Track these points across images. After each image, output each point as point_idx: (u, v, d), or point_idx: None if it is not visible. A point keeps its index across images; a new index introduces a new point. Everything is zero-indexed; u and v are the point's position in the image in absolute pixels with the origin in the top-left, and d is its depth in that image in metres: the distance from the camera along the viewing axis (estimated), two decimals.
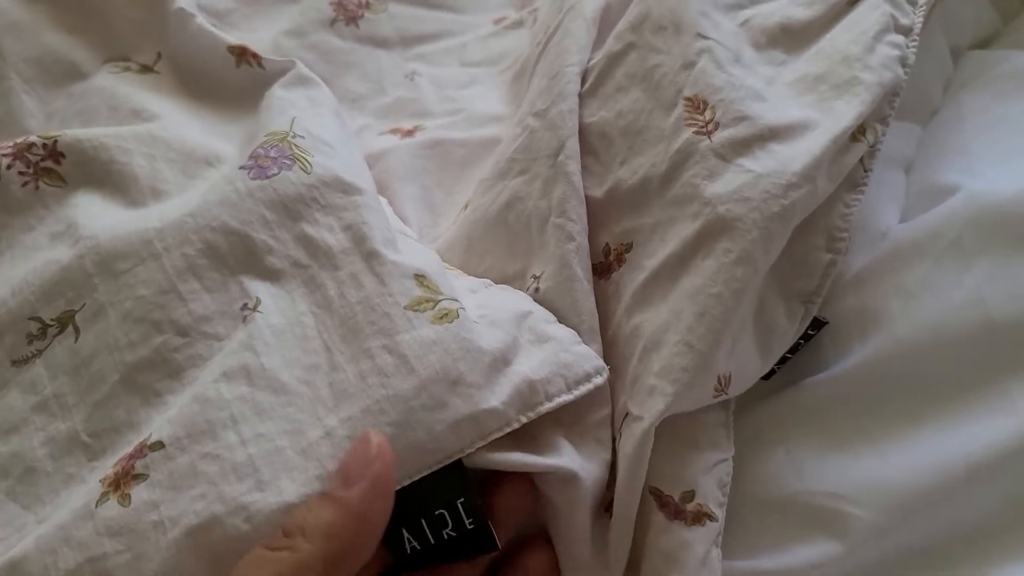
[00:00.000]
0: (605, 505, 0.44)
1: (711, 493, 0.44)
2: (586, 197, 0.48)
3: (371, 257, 0.42)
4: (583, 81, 0.52)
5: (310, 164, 0.45)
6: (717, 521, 0.43)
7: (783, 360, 0.47)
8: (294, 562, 0.32)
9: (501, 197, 0.51)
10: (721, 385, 0.44)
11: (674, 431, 0.43)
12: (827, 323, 0.47)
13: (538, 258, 0.48)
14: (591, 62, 0.52)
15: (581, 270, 0.46)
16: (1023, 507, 0.42)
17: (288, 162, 0.45)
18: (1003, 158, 0.50)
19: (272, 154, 0.45)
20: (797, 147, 0.44)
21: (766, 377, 0.48)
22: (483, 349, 0.39)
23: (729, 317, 0.42)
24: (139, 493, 0.38)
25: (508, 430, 0.39)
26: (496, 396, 0.39)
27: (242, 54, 0.53)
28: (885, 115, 0.46)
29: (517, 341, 0.42)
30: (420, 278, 0.41)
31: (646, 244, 0.46)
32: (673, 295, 0.43)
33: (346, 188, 0.45)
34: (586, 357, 0.43)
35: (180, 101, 0.54)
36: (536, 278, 0.47)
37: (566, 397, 0.41)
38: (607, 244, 0.48)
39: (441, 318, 0.40)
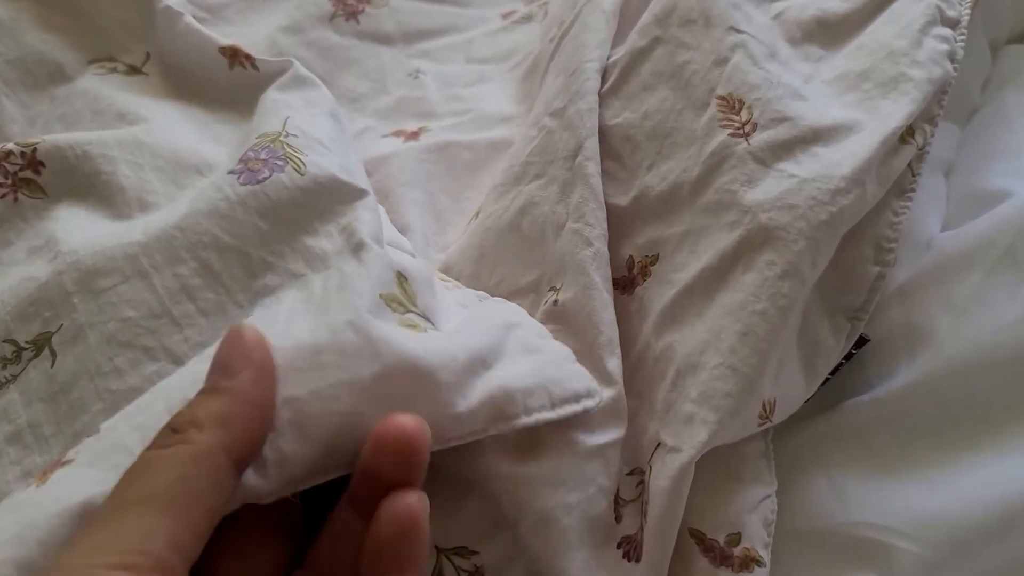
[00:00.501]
0: (622, 547, 0.40)
1: (757, 534, 0.40)
2: (609, 205, 0.45)
3: (359, 248, 0.38)
4: (604, 79, 0.48)
5: (303, 164, 0.41)
6: (765, 567, 0.40)
7: (827, 380, 0.44)
8: (191, 454, 0.28)
9: (515, 203, 0.48)
10: (766, 412, 0.40)
11: (714, 464, 0.40)
12: (869, 341, 0.44)
13: (554, 267, 0.44)
14: (612, 59, 0.49)
15: (600, 278, 0.42)
16: None
17: (280, 163, 0.41)
18: None
19: (263, 156, 0.41)
20: (843, 149, 0.40)
21: (807, 400, 0.44)
22: (456, 351, 0.34)
23: (775, 336, 0.38)
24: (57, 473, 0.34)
25: (472, 439, 0.34)
26: (465, 401, 0.34)
27: (234, 55, 0.50)
28: (934, 115, 0.43)
29: (502, 346, 0.37)
30: (401, 278, 0.37)
31: (674, 256, 0.43)
32: (710, 312, 0.40)
33: (344, 190, 0.41)
34: (578, 376, 0.39)
35: (169, 103, 0.50)
36: (555, 290, 0.44)
37: (547, 415, 0.36)
38: (630, 257, 0.45)
39: (407, 327, 0.35)
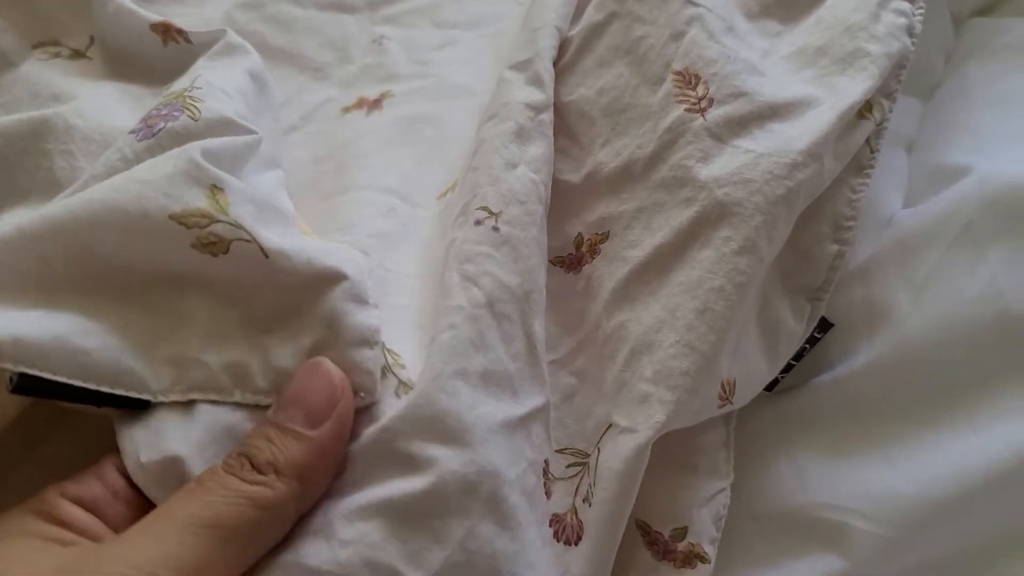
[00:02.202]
0: (552, 525, 0.38)
1: (705, 530, 0.40)
2: (560, 182, 0.44)
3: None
4: (561, 55, 0.47)
5: (199, 110, 0.39)
6: (709, 563, 0.39)
7: (788, 367, 0.44)
8: (268, 501, 0.31)
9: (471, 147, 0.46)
10: (726, 393, 0.40)
11: (668, 452, 0.39)
12: (833, 326, 0.43)
13: (500, 194, 0.41)
14: (571, 33, 0.48)
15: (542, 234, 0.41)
16: None
17: (176, 113, 0.39)
18: (1016, 136, 0.46)
19: (163, 112, 0.40)
20: (800, 125, 0.40)
21: (769, 388, 0.44)
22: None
23: (733, 313, 0.38)
24: None
25: (216, 398, 0.35)
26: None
27: (166, 31, 0.48)
28: (892, 90, 0.43)
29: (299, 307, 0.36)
30: (215, 190, 0.35)
31: (626, 234, 0.42)
32: (665, 290, 0.39)
33: (236, 129, 0.40)
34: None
35: (108, 83, 0.49)
36: (494, 215, 0.40)
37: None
38: (579, 234, 0.44)
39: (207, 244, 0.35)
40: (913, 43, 0.43)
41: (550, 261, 0.43)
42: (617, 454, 0.37)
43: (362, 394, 0.35)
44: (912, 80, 0.52)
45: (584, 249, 0.43)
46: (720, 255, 0.38)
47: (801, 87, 0.42)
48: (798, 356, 0.43)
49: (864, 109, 0.41)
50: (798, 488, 0.42)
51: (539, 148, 0.43)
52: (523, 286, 0.38)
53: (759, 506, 0.42)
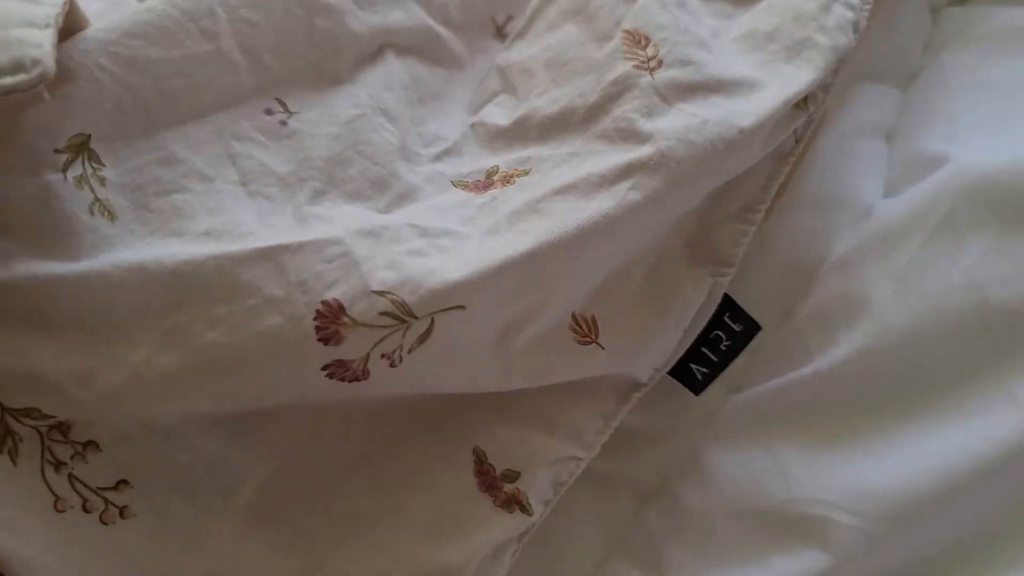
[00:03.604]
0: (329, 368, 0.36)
1: (538, 486, 0.40)
2: (489, 126, 0.43)
3: None
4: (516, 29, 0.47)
5: None
6: (530, 516, 0.39)
7: (715, 366, 0.44)
8: None
9: None
10: (582, 327, 0.39)
11: (534, 405, 0.40)
12: (760, 328, 0.44)
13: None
14: (528, 8, 0.47)
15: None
16: None
17: None
18: (993, 125, 0.46)
19: None
20: (743, 104, 0.39)
21: (697, 391, 0.44)
22: None
23: (586, 240, 0.36)
24: None
25: None
26: None
27: None
28: (828, 83, 0.42)
29: None
30: None
31: (552, 171, 0.40)
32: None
33: None
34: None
35: None
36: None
37: None
38: (495, 166, 0.42)
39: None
40: (856, 39, 0.43)
41: (450, 182, 0.42)
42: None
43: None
44: (891, 70, 0.52)
45: (496, 178, 0.41)
46: (645, 198, 0.37)
47: (748, 69, 0.41)
48: (727, 357, 0.44)
49: (800, 100, 0.41)
50: (780, 484, 0.42)
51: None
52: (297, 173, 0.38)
53: (741, 503, 0.42)
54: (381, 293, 0.34)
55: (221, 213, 0.36)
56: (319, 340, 0.33)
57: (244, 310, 0.33)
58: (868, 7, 0.44)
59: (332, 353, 0.34)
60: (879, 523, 0.39)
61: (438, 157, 0.42)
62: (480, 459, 0.39)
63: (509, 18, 0.49)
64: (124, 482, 0.35)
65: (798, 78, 0.40)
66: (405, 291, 0.34)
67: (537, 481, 0.40)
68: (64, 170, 0.34)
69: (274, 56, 0.39)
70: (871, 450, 0.41)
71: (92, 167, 0.35)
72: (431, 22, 0.45)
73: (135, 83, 0.36)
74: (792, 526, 0.40)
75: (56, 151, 0.34)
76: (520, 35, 0.46)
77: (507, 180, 0.40)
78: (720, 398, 0.45)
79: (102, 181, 0.35)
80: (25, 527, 0.33)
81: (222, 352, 0.33)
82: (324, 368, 0.34)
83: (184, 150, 0.36)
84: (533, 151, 0.41)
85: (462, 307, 0.35)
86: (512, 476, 0.39)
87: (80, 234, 0.33)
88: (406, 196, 0.40)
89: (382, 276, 0.34)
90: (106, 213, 0.35)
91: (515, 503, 0.39)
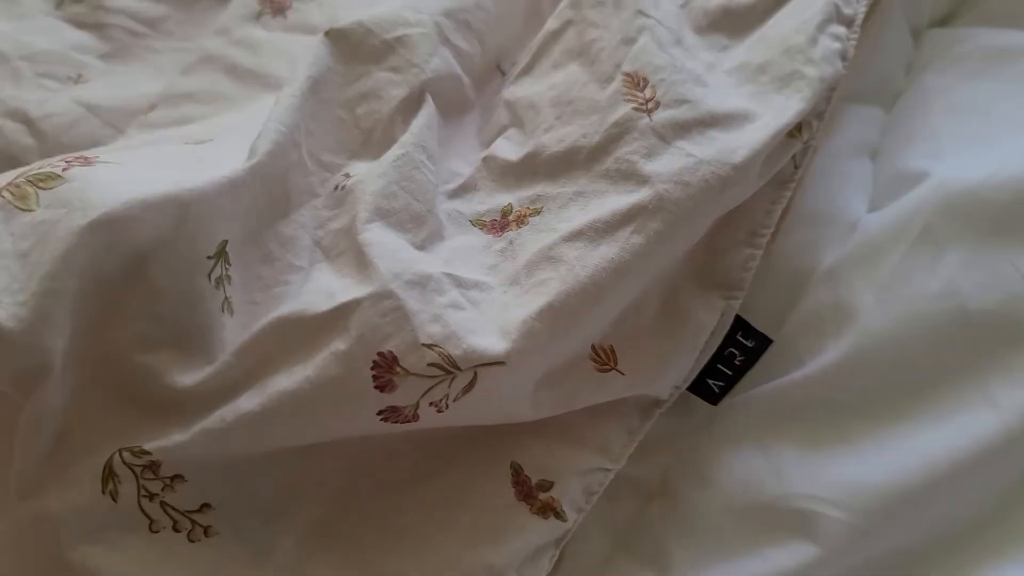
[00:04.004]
0: (383, 413, 0.40)
1: (572, 495, 0.43)
2: (500, 160, 0.46)
3: None
4: (520, 63, 0.50)
5: None
6: (565, 523, 0.42)
7: (730, 379, 0.46)
8: None
9: None
10: (600, 356, 0.42)
11: (563, 420, 0.43)
12: (772, 342, 0.46)
13: None
14: (531, 44, 0.50)
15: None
16: (1007, 505, 0.41)
17: None
18: (972, 141, 0.49)
19: None
20: (738, 138, 0.42)
21: (714, 403, 0.47)
22: None
23: (614, 283, 0.40)
24: None
25: None
26: None
27: None
28: (821, 110, 0.45)
29: None
30: None
31: (561, 211, 0.43)
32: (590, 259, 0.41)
33: None
34: None
35: None
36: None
37: None
38: (510, 204, 0.45)
39: None
40: (845, 67, 0.46)
41: (469, 221, 0.45)
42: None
43: None
44: (875, 90, 0.55)
45: (511, 218, 0.45)
46: (647, 242, 0.40)
47: (741, 101, 0.44)
48: (741, 372, 0.46)
49: (794, 129, 0.43)
50: (773, 481, 0.44)
51: None
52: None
53: (736, 499, 0.44)
54: (429, 346, 0.38)
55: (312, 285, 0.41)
56: (375, 387, 0.37)
57: (314, 363, 0.37)
58: (855, 36, 0.47)
59: (386, 400, 0.38)
60: (866, 517, 0.41)
61: (455, 193, 0.46)
62: (517, 471, 0.42)
63: (513, 63, 0.52)
64: (207, 505, 0.39)
65: (788, 108, 0.43)
66: (450, 345, 0.38)
67: (570, 490, 0.43)
68: (209, 274, 0.39)
69: (332, 154, 0.45)
70: (858, 449, 0.43)
71: (224, 268, 0.39)
72: (459, 71, 0.49)
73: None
74: (785, 520, 0.43)
75: (208, 257, 0.39)
76: (526, 71, 0.49)
77: (521, 221, 0.44)
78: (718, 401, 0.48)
79: (230, 280, 0.40)
80: (126, 546, 0.37)
81: (294, 398, 0.37)
82: (379, 413, 0.38)
83: (278, 249, 0.42)
84: (541, 189, 0.44)
85: (502, 363, 0.38)
86: (547, 486, 0.42)
87: (215, 329, 0.39)
88: (435, 234, 0.43)
89: (430, 330, 0.38)
90: (228, 310, 0.39)
91: (550, 510, 0.42)
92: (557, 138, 0.45)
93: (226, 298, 0.39)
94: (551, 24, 0.49)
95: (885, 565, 0.42)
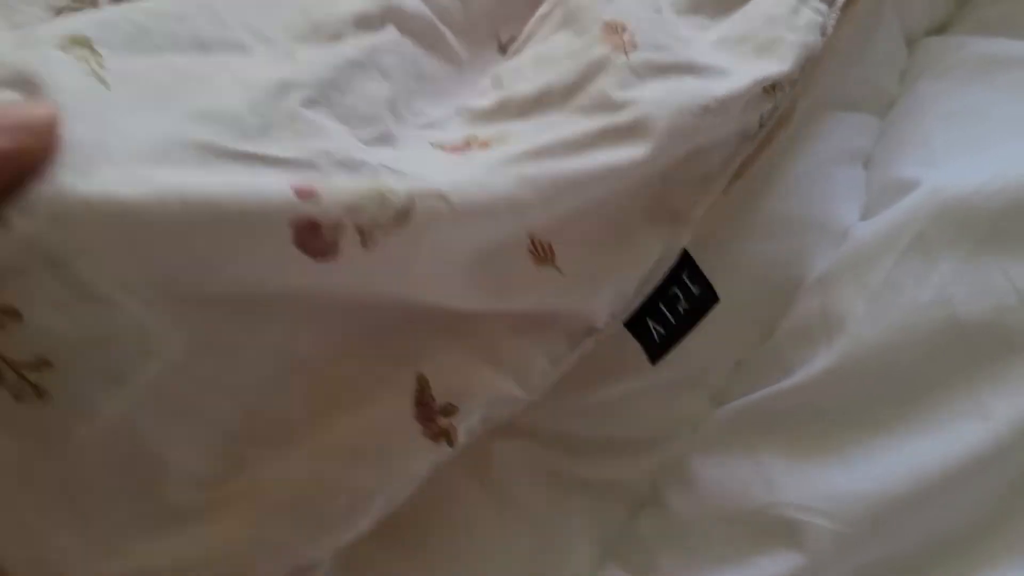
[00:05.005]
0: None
1: (470, 422, 0.39)
2: (474, 109, 0.44)
3: None
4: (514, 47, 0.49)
5: None
6: (452, 448, 0.38)
7: (672, 330, 0.45)
8: None
9: None
10: (539, 250, 0.39)
11: (482, 333, 0.39)
12: (718, 299, 0.45)
13: None
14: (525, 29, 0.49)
15: None
16: (998, 514, 0.41)
17: None
18: (965, 149, 0.49)
19: None
20: (717, 84, 0.41)
21: (653, 357, 0.45)
22: None
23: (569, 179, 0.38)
24: None
25: None
26: None
27: None
28: (794, 79, 0.44)
29: None
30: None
31: (527, 136, 0.41)
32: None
33: None
34: None
35: None
36: None
37: None
38: (474, 134, 0.42)
39: None
40: (823, 41, 0.45)
41: (429, 143, 0.42)
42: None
43: None
44: (868, 98, 0.55)
45: (474, 144, 0.42)
46: (617, 161, 0.39)
47: (720, 60, 0.43)
48: (685, 323, 0.45)
49: (771, 87, 0.43)
50: (762, 489, 0.44)
51: None
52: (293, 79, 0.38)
53: (725, 507, 0.44)
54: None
55: (216, 91, 0.35)
56: (292, 190, 0.32)
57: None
58: (836, 13, 0.46)
59: (304, 208, 0.32)
60: (854, 526, 0.41)
61: (422, 127, 0.43)
62: (423, 387, 0.38)
63: (512, 38, 0.51)
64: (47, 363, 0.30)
65: (770, 66, 0.43)
66: (386, 172, 0.34)
67: (472, 417, 0.39)
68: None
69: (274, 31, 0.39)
70: (847, 458, 0.43)
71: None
72: (432, 16, 0.46)
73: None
74: (773, 529, 0.43)
75: None
76: (516, 51, 0.48)
77: (484, 145, 0.41)
78: (706, 410, 0.48)
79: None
80: None
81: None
82: (293, 226, 0.32)
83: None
84: (512, 126, 0.42)
85: (442, 195, 0.35)
86: (450, 411, 0.38)
87: None
88: (387, 139, 0.40)
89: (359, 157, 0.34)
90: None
91: (443, 436, 0.38)
92: (531, 84, 0.43)
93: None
94: (543, 8, 0.48)
95: (874, 574, 0.42)
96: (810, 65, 0.45)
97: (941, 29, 0.60)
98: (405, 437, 0.37)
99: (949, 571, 0.41)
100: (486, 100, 0.45)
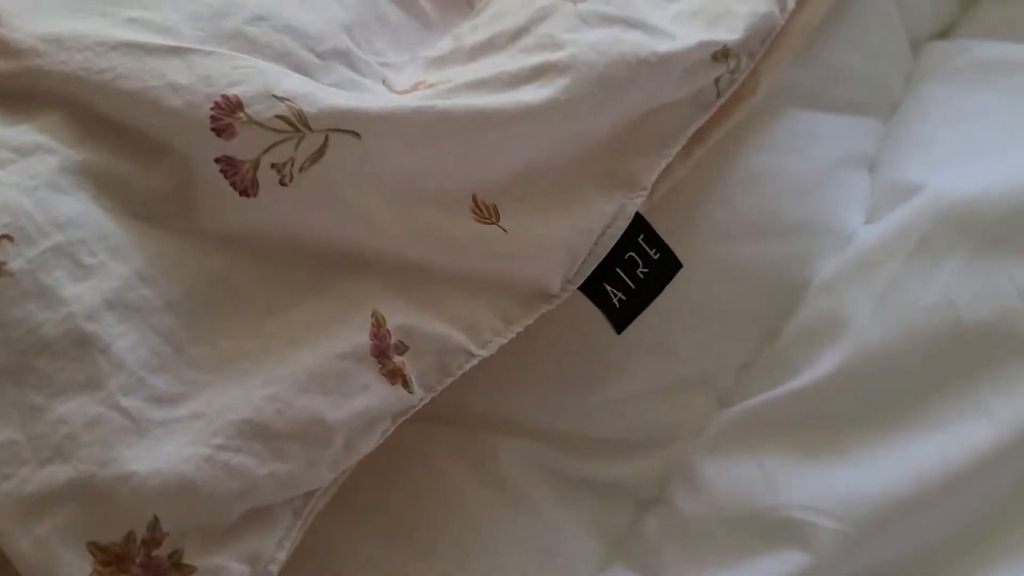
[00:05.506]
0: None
1: (425, 369, 0.38)
2: (428, 57, 0.45)
3: None
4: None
5: None
6: (411, 397, 0.38)
7: (633, 295, 0.44)
8: None
9: None
10: (480, 209, 0.39)
11: (435, 290, 0.39)
12: (680, 265, 0.44)
13: None
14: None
15: None
16: (1001, 515, 0.42)
17: None
18: (969, 153, 0.49)
19: None
20: (661, 41, 0.42)
21: (617, 325, 0.44)
22: None
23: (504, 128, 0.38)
24: None
25: None
26: None
27: None
28: (754, 51, 0.45)
29: None
30: None
31: (462, 75, 0.41)
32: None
33: None
34: None
35: None
36: None
37: None
38: (423, 80, 0.43)
39: None
40: (783, 16, 0.45)
41: (381, 80, 0.43)
42: None
43: None
44: (873, 101, 0.55)
45: (421, 87, 0.42)
46: (554, 94, 0.39)
47: (671, 26, 0.43)
48: (641, 284, 0.44)
49: (721, 54, 0.43)
50: (768, 490, 0.44)
51: None
52: None
53: (732, 509, 0.45)
54: (281, 98, 0.35)
55: (154, 8, 0.37)
56: (212, 129, 0.34)
57: (147, 89, 0.34)
58: None
59: (224, 147, 0.34)
60: (859, 527, 0.42)
61: (379, 65, 0.43)
62: (379, 322, 0.38)
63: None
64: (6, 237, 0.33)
65: (718, 34, 0.43)
66: (305, 102, 0.35)
67: (425, 363, 0.39)
68: None
69: None
70: (853, 459, 0.44)
71: None
72: None
73: None
74: (779, 530, 0.43)
75: None
76: (479, 11, 0.48)
77: (429, 87, 0.41)
78: (713, 411, 0.48)
79: None
80: None
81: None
82: (216, 161, 0.35)
83: None
84: (459, 69, 0.43)
85: (357, 134, 0.35)
86: (402, 349, 0.38)
87: None
88: (339, 55, 0.40)
89: (286, 86, 0.35)
90: None
91: (399, 376, 0.37)
92: (481, 33, 0.44)
93: None
94: None
95: (879, 574, 0.42)
96: (778, 41, 0.45)
97: (946, 33, 0.60)
98: (363, 372, 0.37)
99: (952, 571, 0.42)
100: (441, 51, 0.45)
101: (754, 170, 0.49)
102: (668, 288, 0.46)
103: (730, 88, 0.44)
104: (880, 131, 0.55)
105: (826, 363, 0.45)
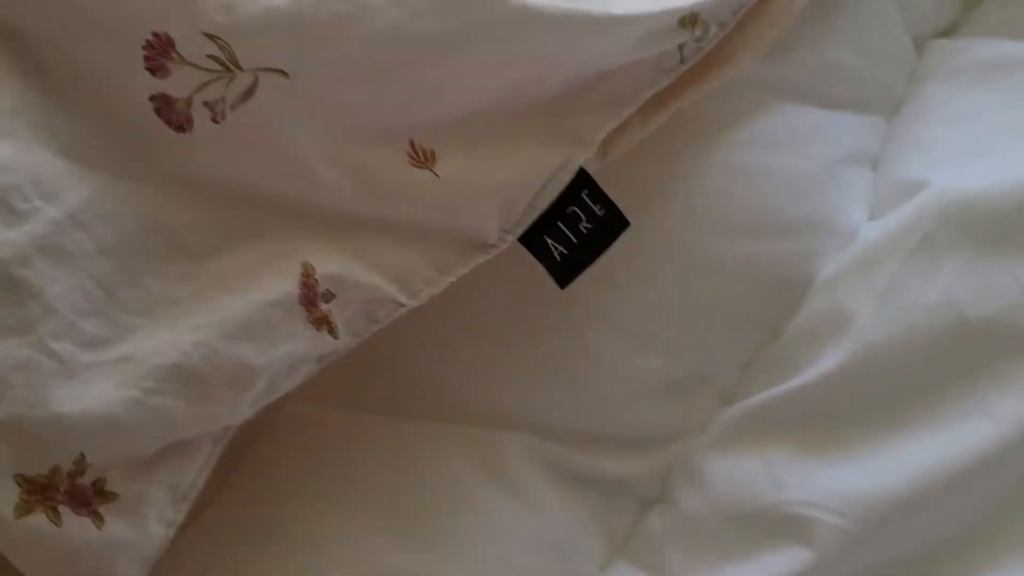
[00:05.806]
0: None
1: (352, 315, 0.39)
2: None
3: None
4: None
5: None
6: (336, 342, 0.39)
7: (575, 249, 0.43)
8: None
9: None
10: (416, 153, 0.39)
11: (364, 237, 0.39)
12: (628, 223, 0.43)
13: None
14: None
15: None
16: (1003, 514, 0.42)
17: None
18: (971, 151, 0.49)
19: None
20: (622, 6, 0.40)
21: (560, 280, 0.43)
22: None
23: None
24: None
25: None
26: None
27: None
28: (724, 21, 0.43)
29: None
30: None
31: None
32: None
33: None
34: None
35: None
36: None
37: None
38: None
39: None
40: None
41: None
42: None
43: None
44: (875, 100, 0.56)
45: None
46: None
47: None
48: (584, 240, 0.43)
49: (689, 19, 0.41)
50: (771, 487, 0.45)
51: None
52: None
53: (736, 506, 0.45)
54: (212, 37, 0.35)
55: None
56: (146, 68, 0.35)
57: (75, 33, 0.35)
58: None
59: (158, 86, 0.35)
60: (862, 524, 0.42)
61: None
62: (308, 272, 0.38)
63: None
64: None
65: (684, 2, 0.41)
66: (235, 39, 0.35)
67: (350, 311, 0.39)
68: None
69: None
70: (855, 456, 0.44)
71: None
72: None
73: None
74: (782, 526, 0.43)
75: None
76: None
77: None
78: (715, 409, 0.48)
79: None
80: None
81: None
82: (151, 99, 0.35)
83: None
84: None
85: (286, 74, 0.36)
86: (329, 297, 0.39)
87: None
88: None
89: (216, 19, 0.35)
90: None
91: (325, 323, 0.38)
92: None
93: None
94: None
95: (881, 572, 0.43)
96: (756, 15, 0.44)
97: (949, 31, 0.60)
98: (290, 320, 0.37)
99: (954, 570, 0.42)
100: None
101: (752, 166, 0.49)
102: (670, 286, 0.47)
103: (695, 56, 0.43)
104: (883, 129, 0.55)
105: (828, 361, 0.45)
